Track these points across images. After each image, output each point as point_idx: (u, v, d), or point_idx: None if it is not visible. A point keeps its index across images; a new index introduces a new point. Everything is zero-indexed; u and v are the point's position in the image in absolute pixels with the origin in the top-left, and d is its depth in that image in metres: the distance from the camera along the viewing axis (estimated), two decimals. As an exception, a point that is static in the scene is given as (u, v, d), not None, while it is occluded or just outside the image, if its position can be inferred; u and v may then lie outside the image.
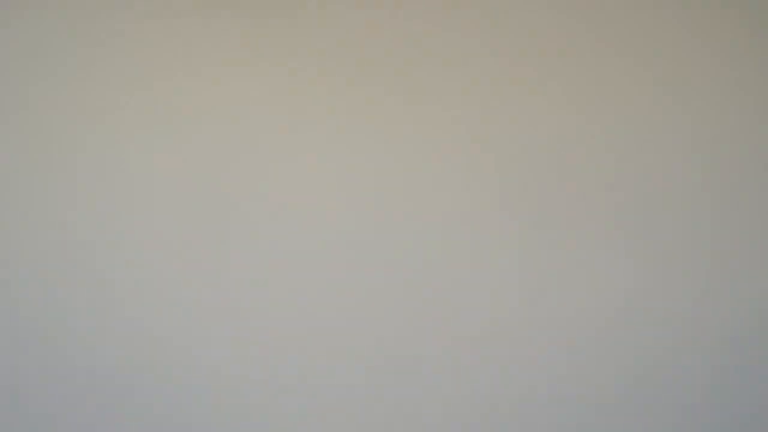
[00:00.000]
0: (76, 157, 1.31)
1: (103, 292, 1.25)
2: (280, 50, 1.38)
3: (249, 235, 1.28)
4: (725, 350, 1.34)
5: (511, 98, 1.38)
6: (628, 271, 1.34)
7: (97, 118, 1.33)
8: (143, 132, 1.33)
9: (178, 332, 1.23)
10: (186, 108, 1.34)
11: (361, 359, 1.24)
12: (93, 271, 1.25)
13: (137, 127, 1.33)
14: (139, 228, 1.28)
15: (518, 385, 1.23)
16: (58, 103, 1.34)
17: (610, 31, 1.42)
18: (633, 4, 1.44)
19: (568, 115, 1.37)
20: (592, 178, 1.34)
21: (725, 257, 1.34)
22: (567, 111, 1.38)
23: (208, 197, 1.30)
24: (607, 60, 1.40)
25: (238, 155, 1.32)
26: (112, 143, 1.32)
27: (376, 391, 1.22)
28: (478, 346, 1.25)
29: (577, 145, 1.35)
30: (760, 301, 1.34)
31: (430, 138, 1.35)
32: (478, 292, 1.30)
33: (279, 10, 1.40)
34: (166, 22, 1.38)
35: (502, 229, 1.33)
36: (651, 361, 1.32)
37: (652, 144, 1.36)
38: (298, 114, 1.35)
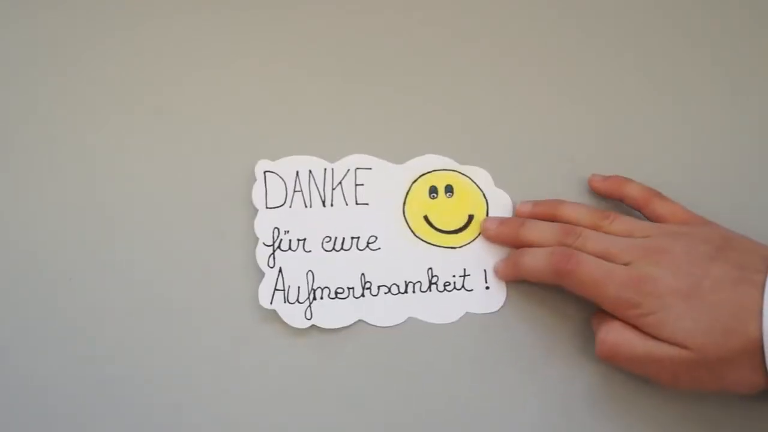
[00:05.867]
0: (73, 156, 1.32)
1: (100, 294, 1.25)
2: (279, 49, 1.39)
3: (248, 234, 1.28)
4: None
5: (513, 99, 1.38)
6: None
7: (95, 117, 1.34)
8: (140, 131, 1.33)
9: (175, 337, 1.24)
10: (184, 107, 1.35)
11: (361, 359, 1.24)
12: (87, 273, 1.26)
13: (133, 126, 1.33)
14: (135, 229, 1.28)
15: (517, 385, 1.23)
16: (54, 103, 1.34)
17: (611, 30, 1.43)
18: (632, 5, 1.44)
19: (570, 116, 1.38)
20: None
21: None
22: (568, 112, 1.38)
23: (206, 197, 1.30)
24: (608, 61, 1.41)
25: (236, 155, 1.32)
26: (110, 142, 1.33)
27: (376, 391, 1.22)
28: (478, 346, 1.26)
29: (578, 146, 1.36)
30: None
31: (432, 138, 1.35)
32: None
33: (279, 9, 1.41)
34: (161, 20, 1.39)
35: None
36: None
37: (654, 147, 1.36)
38: (298, 114, 1.36)
